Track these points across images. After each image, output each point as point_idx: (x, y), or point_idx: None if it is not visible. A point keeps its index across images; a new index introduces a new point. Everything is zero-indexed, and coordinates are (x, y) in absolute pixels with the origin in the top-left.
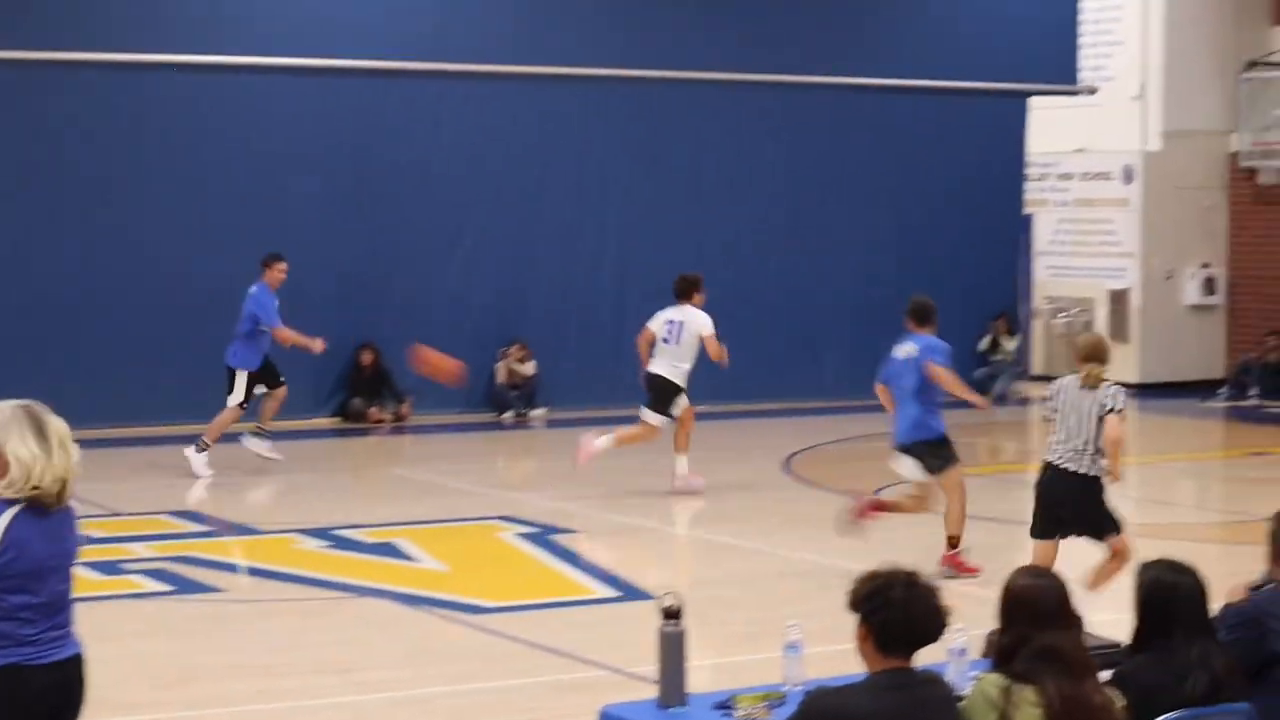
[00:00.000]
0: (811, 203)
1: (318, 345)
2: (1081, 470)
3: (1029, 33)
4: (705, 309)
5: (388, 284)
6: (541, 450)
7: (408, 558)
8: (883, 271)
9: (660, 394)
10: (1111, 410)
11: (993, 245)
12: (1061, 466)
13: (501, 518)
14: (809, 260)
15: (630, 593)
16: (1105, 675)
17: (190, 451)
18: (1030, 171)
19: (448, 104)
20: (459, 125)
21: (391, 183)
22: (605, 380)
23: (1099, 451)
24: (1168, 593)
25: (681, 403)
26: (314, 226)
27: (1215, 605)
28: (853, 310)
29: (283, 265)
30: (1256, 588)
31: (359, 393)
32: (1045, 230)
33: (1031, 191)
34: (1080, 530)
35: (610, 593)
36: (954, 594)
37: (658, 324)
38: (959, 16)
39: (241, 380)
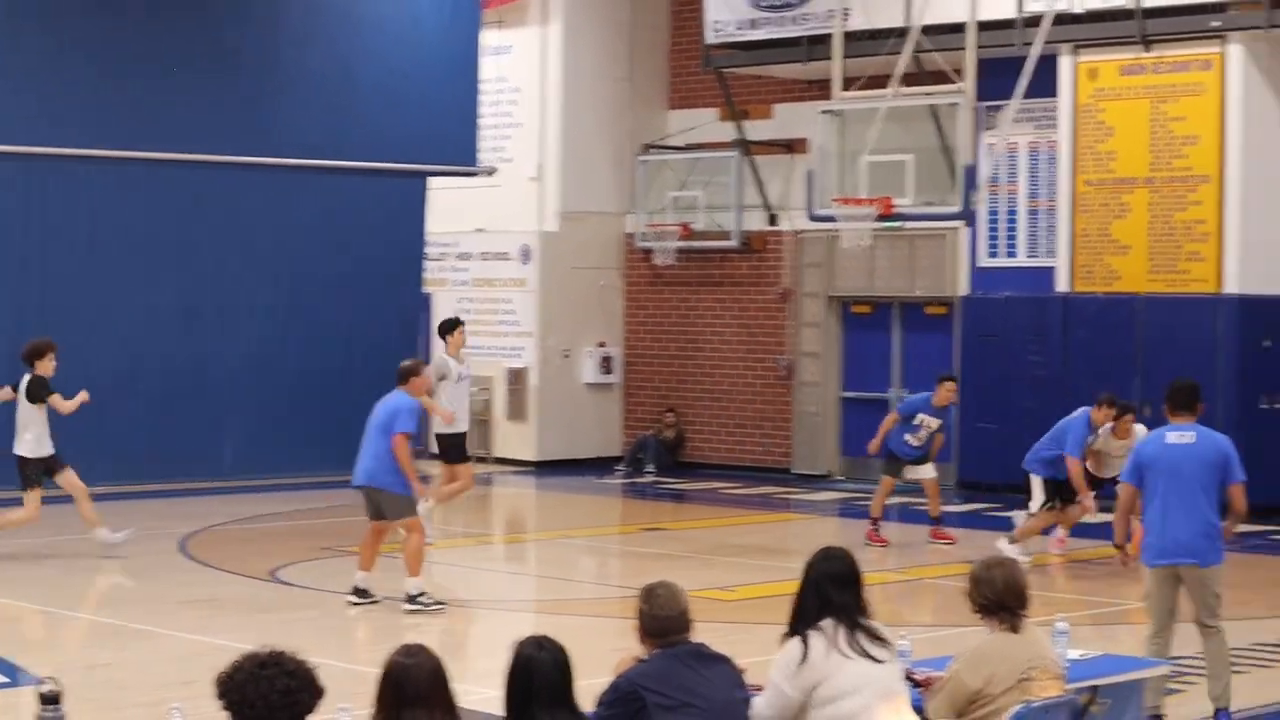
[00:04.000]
0: (209, 282)
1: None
2: None
3: (429, 114)
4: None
5: None
6: None
7: None
8: (284, 350)
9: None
10: None
11: (392, 324)
12: None
13: None
14: (206, 339)
15: (18, 678)
16: None
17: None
18: (430, 251)
19: None
20: None
21: None
22: None
23: None
24: (527, 668)
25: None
26: None
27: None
28: (250, 390)
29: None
30: (642, 660)
31: None
32: (444, 309)
33: (431, 271)
34: None
35: None
36: (333, 673)
37: None
38: (358, 97)
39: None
